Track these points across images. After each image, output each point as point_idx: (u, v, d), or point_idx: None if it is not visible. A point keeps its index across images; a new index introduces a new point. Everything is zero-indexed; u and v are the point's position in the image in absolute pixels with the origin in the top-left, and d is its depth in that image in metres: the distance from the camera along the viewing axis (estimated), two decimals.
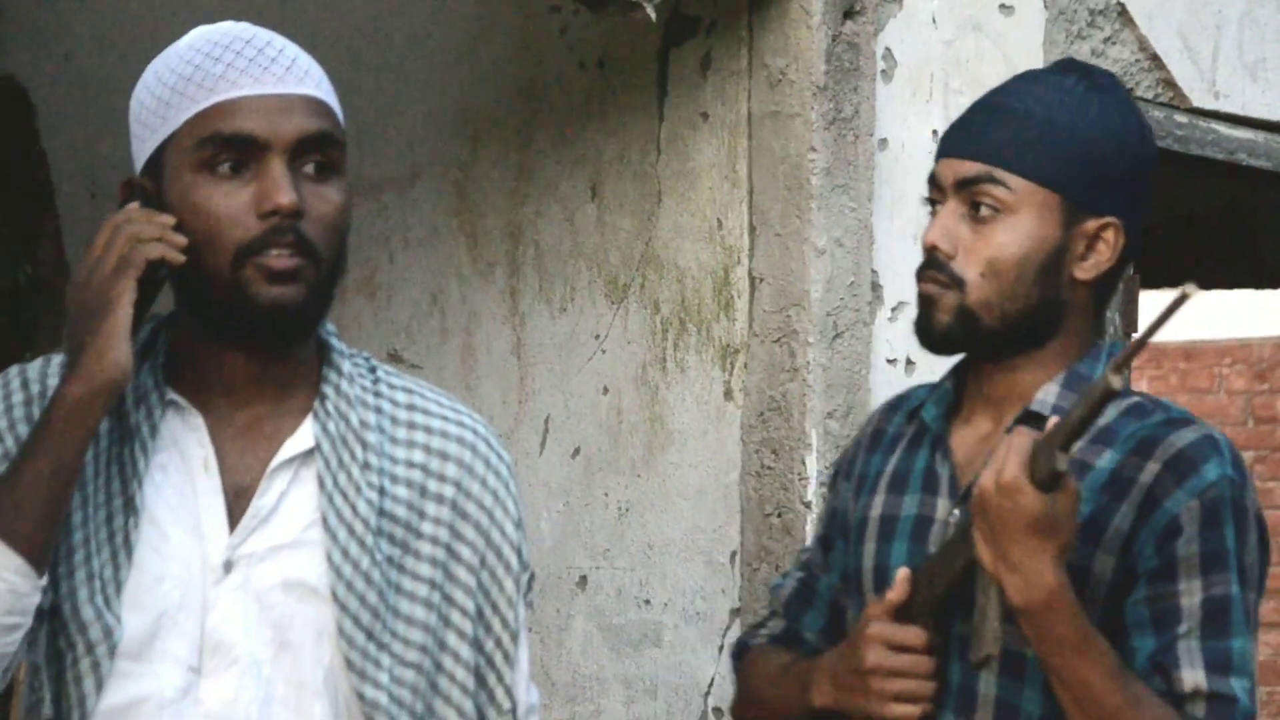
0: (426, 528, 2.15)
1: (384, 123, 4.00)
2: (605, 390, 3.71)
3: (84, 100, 4.65)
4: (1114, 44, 3.81)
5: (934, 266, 2.38)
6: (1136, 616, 2.30)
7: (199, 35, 2.16)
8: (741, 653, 2.61)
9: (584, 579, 3.77)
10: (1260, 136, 4.02)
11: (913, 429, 2.47)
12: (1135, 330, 3.84)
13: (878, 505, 2.46)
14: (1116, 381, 2.13)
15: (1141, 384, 8.96)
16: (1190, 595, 2.28)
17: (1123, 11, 3.80)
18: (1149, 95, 3.83)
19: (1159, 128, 3.85)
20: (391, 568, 2.12)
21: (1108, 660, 2.25)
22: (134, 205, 2.11)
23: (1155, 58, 3.85)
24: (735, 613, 3.55)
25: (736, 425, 3.55)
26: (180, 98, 2.10)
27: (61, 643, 2.06)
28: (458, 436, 2.19)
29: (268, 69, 2.10)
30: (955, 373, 2.47)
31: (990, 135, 2.38)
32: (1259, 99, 4.02)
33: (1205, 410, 9.01)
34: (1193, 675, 2.27)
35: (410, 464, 2.16)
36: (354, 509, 2.11)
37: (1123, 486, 2.32)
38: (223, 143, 2.08)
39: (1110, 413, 2.32)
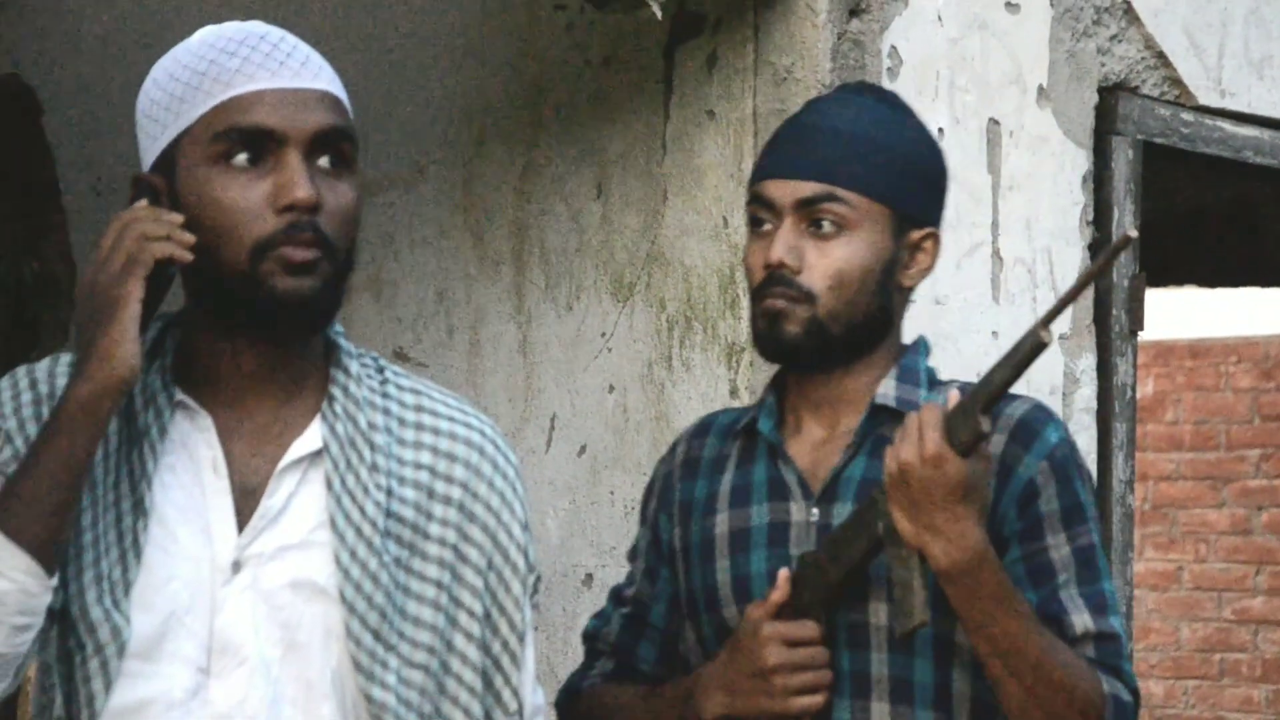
0: (434, 529, 2.15)
1: (389, 120, 4.00)
2: (611, 388, 3.71)
3: (90, 98, 4.65)
4: (1120, 41, 3.80)
5: (781, 283, 2.51)
6: (1014, 575, 2.44)
7: (211, 32, 2.16)
8: (573, 697, 2.66)
9: (590, 577, 3.77)
10: (1266, 134, 4.02)
11: (738, 446, 2.59)
12: (1141, 328, 3.84)
13: (722, 522, 2.56)
14: (1046, 336, 2.29)
15: (1148, 383, 8.96)
16: (1059, 549, 2.46)
17: (1129, 9, 3.80)
18: (1155, 93, 3.83)
19: (1165, 126, 3.85)
20: (399, 569, 2.12)
21: (1025, 610, 2.39)
22: (142, 203, 2.11)
23: (1161, 55, 3.85)
24: None
25: None
26: (195, 92, 2.10)
27: (71, 643, 2.06)
28: (465, 438, 2.19)
29: (284, 64, 2.11)
30: (775, 386, 2.61)
31: (825, 156, 2.53)
32: (1265, 97, 4.02)
33: (1212, 408, 9.01)
34: (1080, 619, 2.44)
35: (418, 465, 2.16)
36: (362, 510, 2.11)
37: None
38: (240, 136, 2.08)
39: (940, 400, 2.49)
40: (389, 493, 2.13)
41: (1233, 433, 8.98)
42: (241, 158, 2.08)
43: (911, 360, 2.57)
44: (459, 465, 2.17)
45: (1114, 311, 3.75)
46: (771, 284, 2.51)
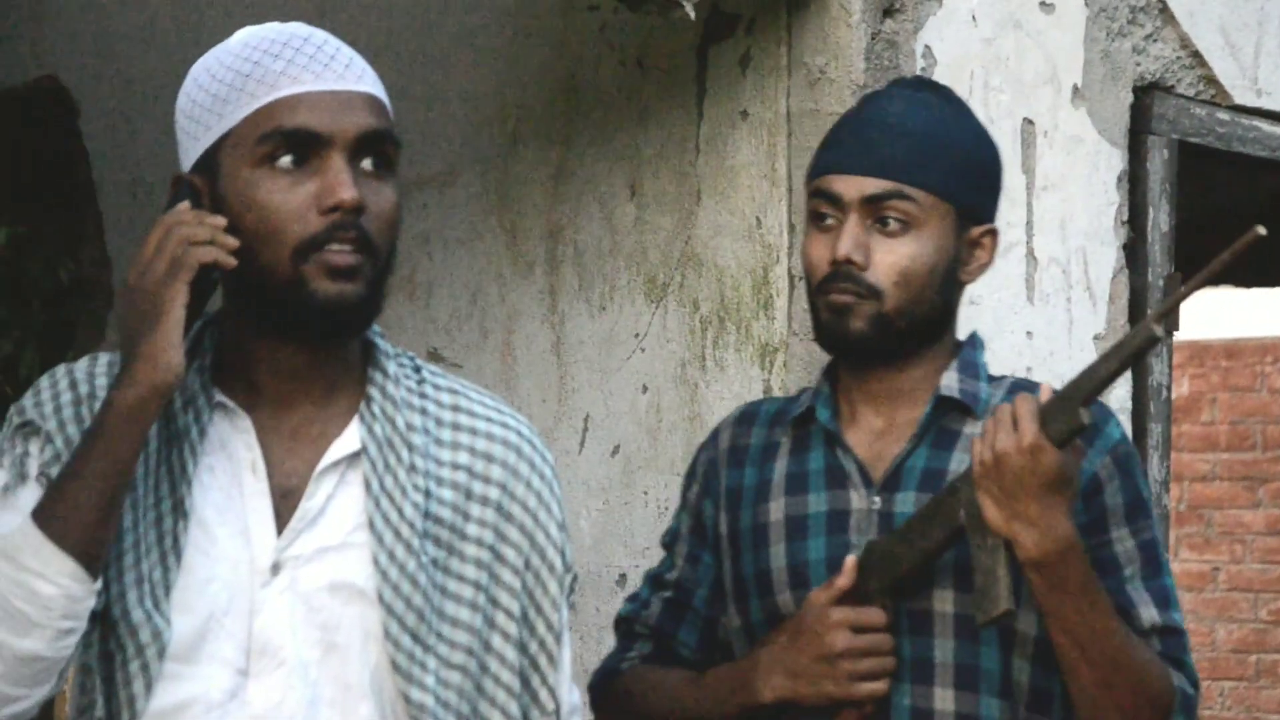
0: (471, 530, 2.15)
1: (423, 122, 4.00)
2: (644, 389, 3.71)
3: (125, 99, 4.66)
4: (1155, 41, 3.79)
5: (847, 279, 2.53)
6: None
7: (252, 34, 2.16)
8: (610, 679, 2.65)
9: (623, 577, 3.77)
10: None
11: (790, 435, 2.61)
12: (1177, 328, 3.83)
13: (777, 509, 2.58)
14: (1159, 330, 2.32)
15: (1183, 383, 8.93)
16: (1123, 542, 2.49)
17: (1164, 8, 3.79)
18: (1190, 92, 3.82)
19: (1200, 125, 3.84)
20: (437, 570, 2.12)
21: (1107, 602, 2.42)
22: (184, 205, 2.11)
23: (1196, 55, 3.83)
24: None
25: None
26: (239, 94, 2.10)
27: (111, 645, 2.07)
28: (502, 438, 2.19)
29: (328, 66, 2.11)
30: (829, 376, 2.63)
31: (891, 152, 2.55)
32: None
33: (1248, 408, 8.97)
34: (1147, 612, 2.47)
35: (455, 466, 2.16)
36: (400, 512, 2.11)
37: None
38: (284, 138, 2.08)
39: (998, 395, 2.54)
40: (427, 494, 2.13)
41: (1268, 433, 8.94)
42: (286, 160, 2.09)
43: (971, 354, 2.59)
44: (496, 466, 2.17)
45: (1149, 311, 3.74)
46: (837, 279, 2.53)
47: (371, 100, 2.13)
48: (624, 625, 2.70)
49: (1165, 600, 2.49)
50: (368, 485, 2.12)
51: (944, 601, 2.48)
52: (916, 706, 2.48)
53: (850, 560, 2.48)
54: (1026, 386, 2.58)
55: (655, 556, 3.75)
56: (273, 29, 2.15)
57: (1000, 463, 2.36)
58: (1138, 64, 3.76)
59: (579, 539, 3.75)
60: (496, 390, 3.86)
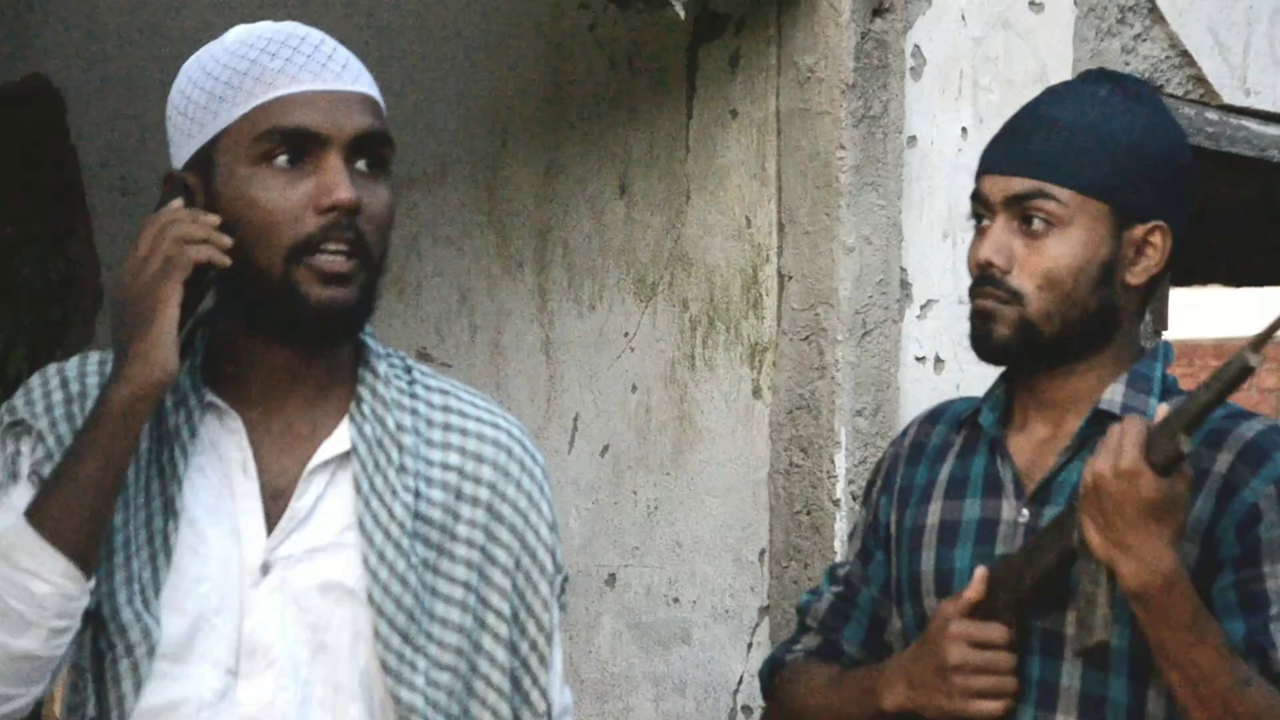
0: (461, 530, 2.15)
1: (413, 120, 4.00)
2: (634, 388, 3.71)
3: (114, 98, 4.66)
4: (1144, 41, 3.79)
5: (990, 282, 2.43)
6: (1225, 601, 2.35)
7: (247, 32, 2.15)
8: (775, 669, 2.64)
9: (613, 577, 3.77)
10: None
11: (961, 438, 2.53)
12: (1165, 327, 3.83)
13: (934, 513, 2.50)
14: (1255, 360, 2.21)
15: None
16: (1276, 578, 2.34)
17: (1153, 8, 3.79)
18: (1179, 92, 3.82)
19: (1189, 125, 3.84)
20: (426, 570, 2.11)
21: (1220, 640, 2.30)
22: (178, 203, 2.10)
23: (1185, 54, 3.84)
24: (764, 610, 3.55)
25: (765, 423, 3.55)
26: (235, 92, 2.10)
27: (102, 644, 2.06)
28: (493, 439, 2.18)
29: (325, 65, 2.11)
30: (1005, 379, 2.52)
31: (1037, 150, 2.43)
32: None
33: None
34: None
35: (445, 466, 2.15)
36: (390, 512, 2.10)
37: (1198, 477, 2.37)
38: (282, 137, 2.07)
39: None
40: (417, 494, 2.13)
41: None
42: (282, 159, 2.08)
43: (1146, 366, 2.46)
44: (486, 466, 2.17)
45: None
46: (981, 284, 2.44)
47: (368, 100, 2.13)
48: (799, 615, 2.66)
49: None
50: (357, 485, 2.11)
51: (1075, 624, 2.37)
52: None
53: (980, 573, 2.40)
54: (1231, 414, 2.42)
55: (644, 556, 3.75)
56: (268, 28, 2.15)
57: (1098, 485, 2.26)
58: (1127, 63, 3.77)
59: (568, 538, 3.75)
60: (485, 389, 3.86)
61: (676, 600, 3.67)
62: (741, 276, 3.58)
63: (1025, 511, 2.44)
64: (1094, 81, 2.50)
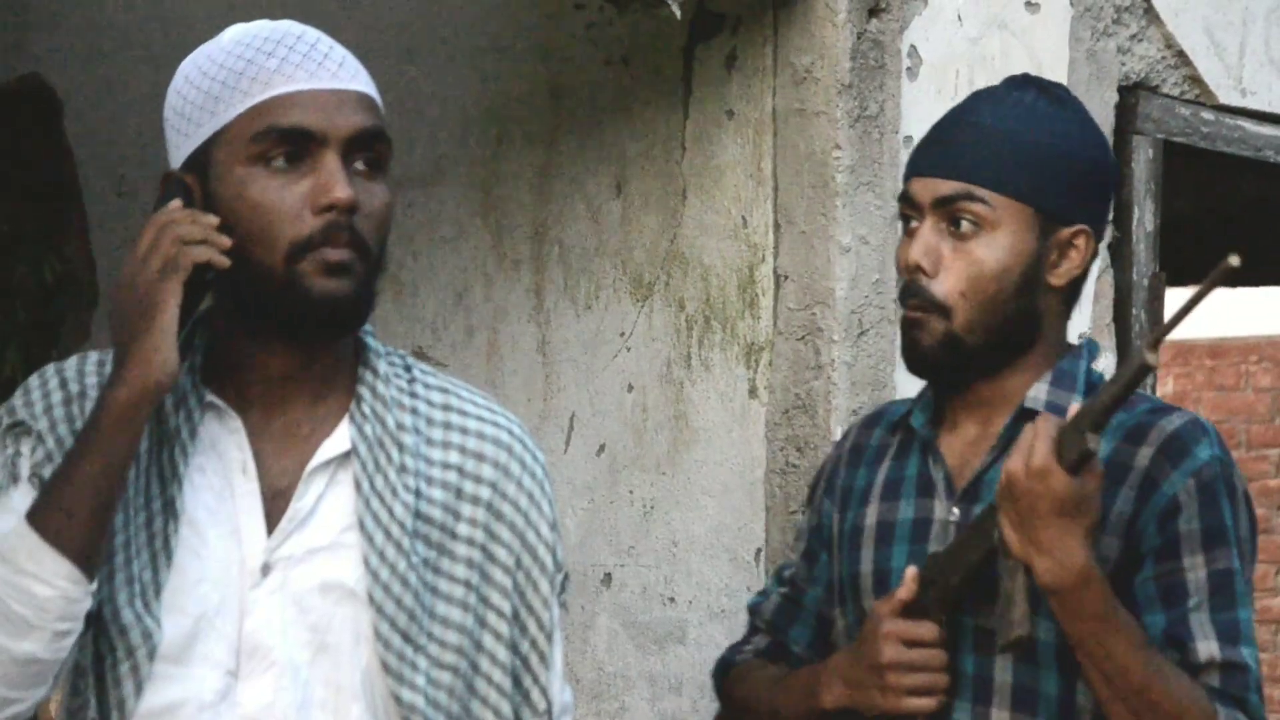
0: (462, 529, 2.15)
1: (409, 120, 4.00)
2: (630, 388, 3.71)
3: (109, 98, 4.66)
4: (1140, 40, 3.80)
5: (916, 294, 2.47)
6: (1145, 593, 2.40)
7: (244, 31, 2.15)
8: (726, 669, 2.68)
9: (609, 576, 3.77)
10: None
11: (897, 440, 2.57)
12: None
13: (872, 514, 2.55)
14: (1153, 358, 2.24)
15: (1168, 382, 8.94)
16: (1195, 570, 2.38)
17: (1149, 8, 3.79)
18: (1175, 92, 3.82)
19: (1185, 125, 3.84)
20: (427, 570, 2.11)
21: (1135, 634, 2.34)
22: (176, 204, 2.09)
23: (1181, 54, 3.84)
24: None
25: (761, 423, 3.55)
26: (232, 91, 2.09)
27: (102, 645, 2.06)
28: (493, 438, 2.18)
29: (322, 64, 2.10)
30: (934, 382, 2.56)
31: (965, 153, 2.47)
32: None
33: (1233, 407, 8.99)
34: (1207, 646, 2.37)
35: (446, 465, 2.15)
36: (390, 512, 2.10)
37: (1120, 472, 2.42)
38: (279, 136, 2.07)
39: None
40: (417, 493, 2.13)
41: (1253, 432, 8.96)
42: (279, 159, 2.08)
43: (1070, 364, 2.50)
44: (487, 465, 2.17)
45: (1134, 311, 3.74)
46: (909, 294, 2.48)
47: (365, 99, 2.13)
48: (750, 615, 2.70)
49: (1232, 634, 2.38)
50: (358, 485, 2.11)
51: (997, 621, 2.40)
52: None
53: (911, 572, 2.44)
54: (1142, 406, 2.47)
55: (640, 556, 3.75)
56: (265, 26, 2.15)
57: (1011, 485, 2.30)
58: (1123, 64, 3.77)
59: (564, 538, 3.74)
60: (482, 389, 3.86)
61: (672, 600, 3.67)
62: (738, 276, 3.58)
63: (955, 510, 2.48)
64: (1019, 87, 2.54)
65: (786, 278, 3.52)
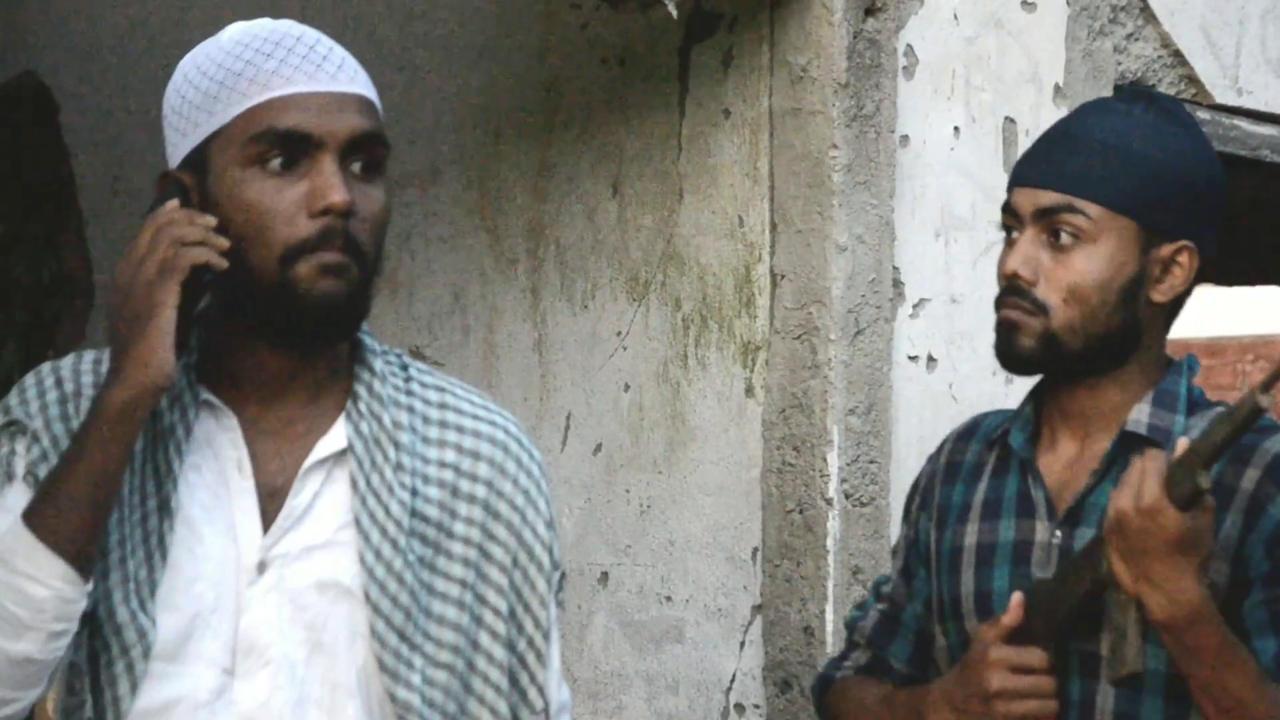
0: (459, 528, 2.14)
1: (405, 120, 4.00)
2: (626, 387, 3.71)
3: (106, 97, 4.66)
4: (1136, 40, 3.80)
5: (1016, 294, 2.45)
6: (1256, 619, 2.37)
7: (243, 31, 2.14)
8: (826, 685, 2.66)
9: (605, 575, 3.77)
10: None
11: (994, 456, 2.55)
12: None
13: (971, 533, 2.53)
14: (1264, 401, 2.24)
15: None
16: None
17: (1145, 8, 3.80)
18: (1171, 91, 3.83)
19: None
20: (424, 568, 2.11)
21: (1251, 668, 2.32)
22: (173, 204, 2.09)
23: (1177, 54, 3.84)
24: (757, 609, 3.55)
25: (758, 422, 3.55)
26: (230, 92, 2.09)
27: (97, 644, 2.05)
28: (490, 436, 2.18)
29: (320, 66, 2.10)
30: (1034, 397, 2.55)
31: (1068, 165, 2.45)
32: None
33: None
34: None
35: (442, 464, 2.15)
36: (386, 510, 2.10)
37: (1226, 495, 2.39)
38: (276, 139, 2.06)
39: (1199, 426, 2.41)
40: (414, 492, 2.12)
41: None
42: (276, 161, 2.07)
43: (1171, 383, 2.49)
44: (484, 463, 2.17)
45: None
46: (1007, 294, 2.46)
47: (363, 101, 2.12)
48: (848, 631, 2.68)
49: None
50: (354, 483, 2.11)
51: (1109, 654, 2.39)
52: None
53: (1017, 597, 2.42)
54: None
55: (637, 554, 3.75)
56: (264, 27, 2.14)
57: (1121, 522, 2.29)
58: (1119, 63, 3.77)
59: (561, 537, 3.75)
60: (478, 388, 3.86)
61: (669, 599, 3.67)
62: (734, 276, 3.58)
63: (1058, 533, 2.46)
64: (1128, 100, 2.52)
65: (783, 277, 3.52)
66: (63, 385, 2.13)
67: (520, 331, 3.88)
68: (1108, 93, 3.73)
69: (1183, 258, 2.47)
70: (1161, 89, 3.81)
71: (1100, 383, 2.47)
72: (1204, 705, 2.34)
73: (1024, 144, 3.65)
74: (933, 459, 2.64)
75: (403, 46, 4.07)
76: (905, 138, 3.55)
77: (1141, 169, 2.44)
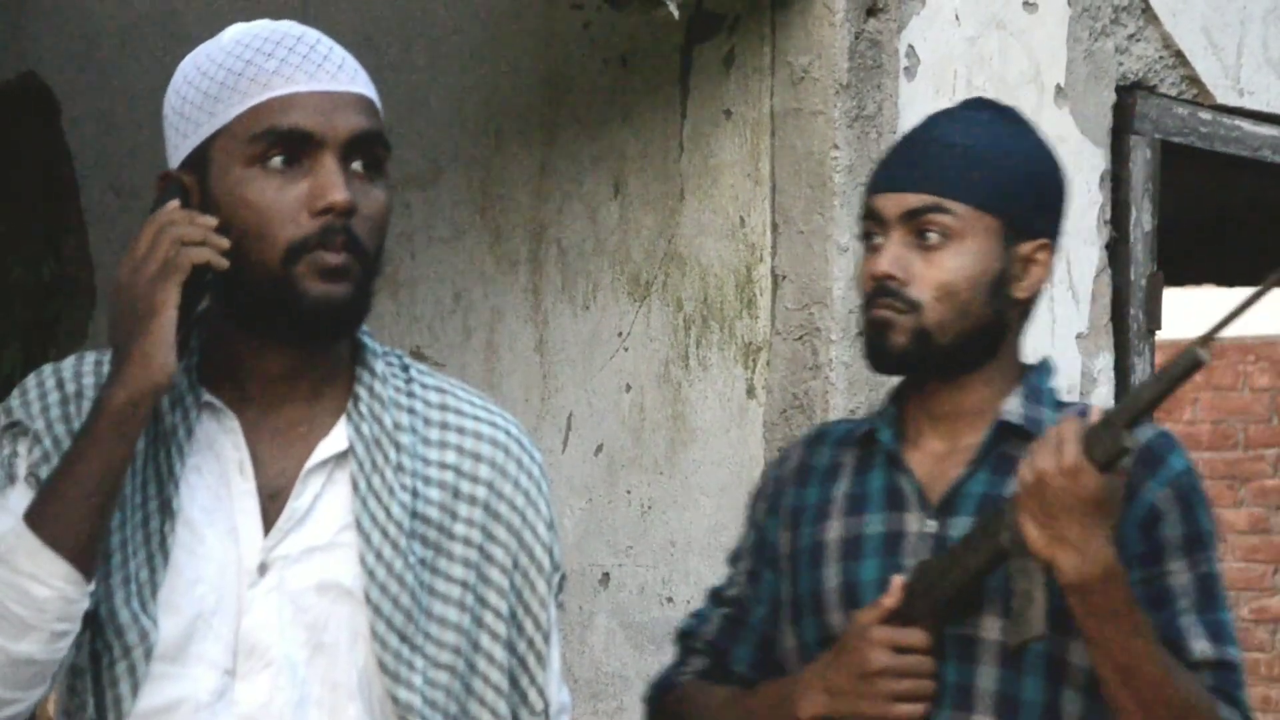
0: (459, 529, 2.14)
1: (407, 120, 4.00)
2: (628, 388, 3.71)
3: (107, 97, 4.66)
4: (1138, 41, 3.80)
5: (887, 294, 2.51)
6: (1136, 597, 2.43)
7: (244, 31, 2.14)
8: (665, 691, 2.66)
9: (606, 576, 3.77)
10: None
11: (854, 455, 2.60)
12: (1159, 327, 3.83)
13: (835, 529, 2.56)
14: (1204, 354, 2.31)
15: None
16: (1179, 575, 2.46)
17: (1146, 8, 3.79)
18: (1173, 92, 3.83)
19: (1183, 125, 3.84)
20: (424, 569, 2.11)
21: (1149, 630, 2.39)
22: (174, 204, 2.09)
23: (1179, 54, 3.84)
24: None
25: (759, 423, 3.55)
26: (231, 92, 2.09)
27: (98, 645, 2.06)
28: (490, 437, 2.18)
29: (321, 66, 2.10)
30: (896, 398, 2.61)
31: (932, 168, 2.52)
32: None
33: (1230, 407, 8.99)
34: (1200, 646, 2.43)
35: (443, 465, 2.15)
36: (387, 511, 2.10)
37: None
38: (277, 138, 2.07)
39: (1058, 418, 2.48)
40: (414, 493, 2.12)
41: (1251, 432, 8.96)
42: (277, 160, 2.07)
43: (1038, 379, 2.56)
44: (484, 465, 2.17)
45: (1131, 311, 3.75)
46: (878, 295, 2.51)
47: (364, 101, 2.12)
48: (683, 640, 2.70)
49: (1220, 634, 2.45)
50: (355, 485, 2.11)
51: (991, 629, 2.45)
52: None
53: (897, 581, 2.46)
54: (1089, 411, 2.51)
55: (638, 555, 3.75)
56: (265, 27, 2.14)
57: (1041, 483, 2.34)
58: (1120, 64, 3.77)
59: (562, 538, 3.74)
60: (479, 389, 3.85)
61: (670, 600, 3.67)
62: (735, 276, 3.58)
63: (933, 523, 2.50)
64: (975, 108, 2.62)
65: (784, 278, 3.52)
66: (64, 386, 2.13)
67: (521, 332, 3.88)
68: (1109, 93, 3.74)
69: (1041, 255, 2.55)
70: (1163, 89, 3.81)
71: (967, 380, 2.53)
72: (1101, 666, 2.38)
73: None
74: (777, 465, 2.69)
75: (403, 47, 4.07)
76: None
77: (1003, 169, 2.52)
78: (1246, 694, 2.48)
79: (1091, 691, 2.44)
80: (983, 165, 2.52)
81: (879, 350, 2.53)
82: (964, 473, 2.51)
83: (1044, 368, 2.58)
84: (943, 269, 2.50)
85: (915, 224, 2.51)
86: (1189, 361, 2.31)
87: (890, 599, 2.45)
